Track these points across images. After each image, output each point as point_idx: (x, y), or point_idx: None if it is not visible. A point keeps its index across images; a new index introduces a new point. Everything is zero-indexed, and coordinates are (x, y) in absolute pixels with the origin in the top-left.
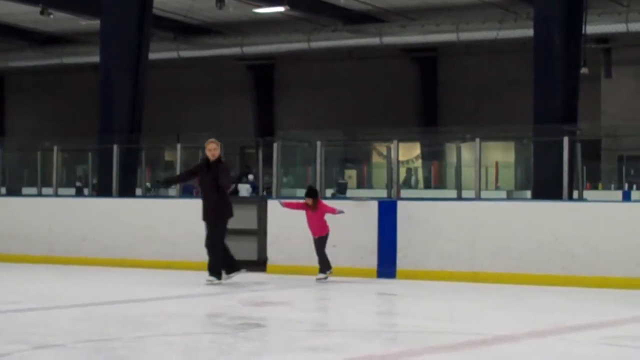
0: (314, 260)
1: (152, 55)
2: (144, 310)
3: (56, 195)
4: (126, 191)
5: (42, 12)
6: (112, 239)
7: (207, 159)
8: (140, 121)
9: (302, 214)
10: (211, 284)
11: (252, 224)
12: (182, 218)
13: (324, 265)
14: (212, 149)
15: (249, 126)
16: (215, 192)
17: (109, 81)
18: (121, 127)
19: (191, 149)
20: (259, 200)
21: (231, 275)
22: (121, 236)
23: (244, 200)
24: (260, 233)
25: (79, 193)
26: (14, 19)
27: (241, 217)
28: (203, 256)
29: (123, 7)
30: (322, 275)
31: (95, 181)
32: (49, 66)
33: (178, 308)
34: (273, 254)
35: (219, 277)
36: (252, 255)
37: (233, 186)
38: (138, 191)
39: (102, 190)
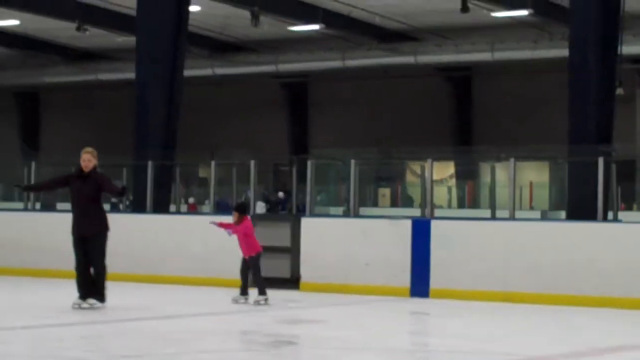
0: (347, 279)
1: (187, 72)
2: (176, 326)
3: None
4: (160, 207)
5: (78, 28)
6: (145, 255)
7: (80, 169)
8: (175, 137)
9: (333, 232)
10: (91, 307)
11: (286, 242)
12: (214, 235)
13: (263, 286)
14: (87, 160)
15: (283, 144)
16: (94, 202)
17: (144, 98)
18: (156, 143)
19: (225, 166)
20: (293, 218)
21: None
22: (154, 252)
23: (278, 218)
24: (293, 251)
25: (115, 208)
26: (49, 35)
27: (274, 235)
28: (234, 273)
29: (158, 24)
30: (262, 297)
31: (130, 197)
32: (84, 82)
33: (210, 325)
34: (306, 272)
35: (103, 299)
36: (285, 273)
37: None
38: (172, 207)
39: (137, 206)
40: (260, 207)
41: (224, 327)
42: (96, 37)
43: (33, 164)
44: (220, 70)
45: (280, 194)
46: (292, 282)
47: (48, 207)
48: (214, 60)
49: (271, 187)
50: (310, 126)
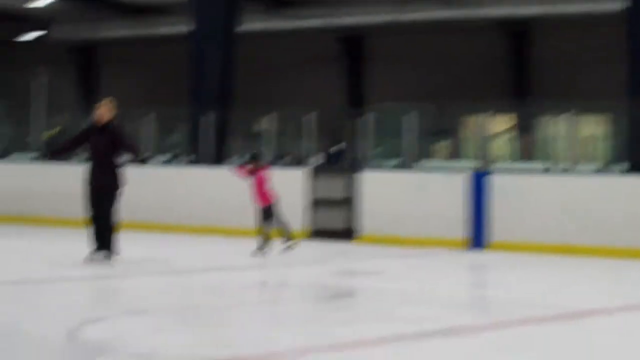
0: (404, 231)
1: (242, 27)
2: (232, 278)
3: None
4: (218, 160)
5: None
6: (201, 207)
7: (95, 122)
8: (230, 92)
9: (391, 185)
10: (102, 262)
11: (343, 194)
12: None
13: (288, 232)
14: (99, 114)
15: (340, 98)
16: (111, 156)
17: (200, 52)
18: (212, 97)
19: (282, 120)
20: (350, 171)
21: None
22: (210, 204)
23: (335, 171)
24: (351, 203)
25: (173, 160)
26: None
27: (332, 187)
28: (293, 226)
29: None
30: (291, 242)
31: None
32: (141, 36)
33: (266, 277)
34: (364, 224)
35: (109, 254)
36: (342, 225)
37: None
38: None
39: (194, 159)
40: (318, 160)
41: (280, 280)
42: None
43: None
44: (275, 25)
45: (339, 146)
46: (348, 234)
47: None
48: (269, 15)
49: (329, 141)
50: (366, 80)
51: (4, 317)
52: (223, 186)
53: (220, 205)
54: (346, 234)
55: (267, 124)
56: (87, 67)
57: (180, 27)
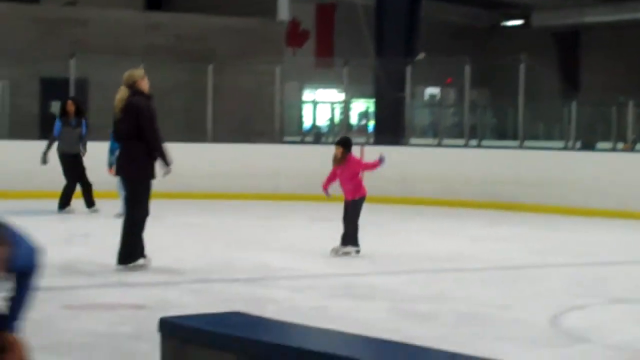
0: None
1: None
2: None
3: None
4: None
5: None
6: None
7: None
8: None
9: None
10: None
11: None
12: None
13: (354, 238)
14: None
15: None
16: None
17: None
18: None
19: None
20: None
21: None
22: None
23: None
24: None
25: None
26: None
27: None
28: None
29: None
30: (351, 249)
31: None
32: (624, 21)
33: None
34: None
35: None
36: None
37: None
38: None
39: None
40: None
41: None
42: None
43: (573, 104)
44: None
45: None
46: None
47: (588, 146)
48: None
49: None
50: None
51: (489, 300)
52: None
53: None
54: None
55: None
56: (569, 54)
57: None
